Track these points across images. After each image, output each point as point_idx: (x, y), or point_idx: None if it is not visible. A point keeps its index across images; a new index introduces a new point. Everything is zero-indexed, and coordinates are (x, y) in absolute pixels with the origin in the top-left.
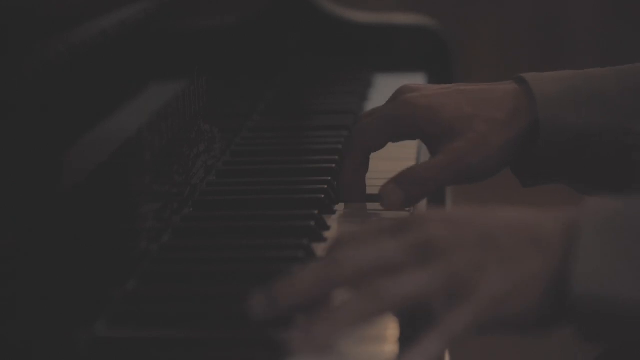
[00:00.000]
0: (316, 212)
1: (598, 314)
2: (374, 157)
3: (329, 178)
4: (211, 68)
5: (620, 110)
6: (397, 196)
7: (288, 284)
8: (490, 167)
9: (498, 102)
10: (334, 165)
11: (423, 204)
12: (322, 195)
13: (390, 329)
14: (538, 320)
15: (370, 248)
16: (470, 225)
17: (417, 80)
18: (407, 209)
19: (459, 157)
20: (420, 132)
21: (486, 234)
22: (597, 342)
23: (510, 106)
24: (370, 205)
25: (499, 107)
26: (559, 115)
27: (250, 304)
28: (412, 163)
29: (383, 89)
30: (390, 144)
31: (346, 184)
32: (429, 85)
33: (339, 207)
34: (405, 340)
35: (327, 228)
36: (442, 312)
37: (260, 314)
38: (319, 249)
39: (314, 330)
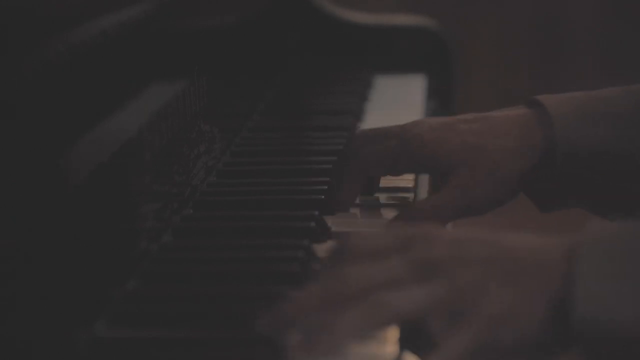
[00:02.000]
0: (316, 212)
1: (601, 337)
2: None
3: (329, 179)
4: (211, 68)
5: (635, 129)
6: None
7: (293, 303)
8: (497, 199)
9: (506, 130)
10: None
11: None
12: (323, 196)
13: (391, 329)
14: (539, 344)
15: (375, 266)
16: (473, 247)
17: (417, 80)
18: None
19: (464, 193)
20: (425, 166)
21: (489, 255)
22: None
23: (520, 132)
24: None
25: (507, 134)
26: (576, 136)
27: (258, 324)
28: None
29: (383, 90)
30: None
31: (343, 201)
32: (437, 118)
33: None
34: (406, 341)
35: (328, 229)
36: (441, 333)
37: (266, 331)
38: (320, 249)
39: (314, 341)
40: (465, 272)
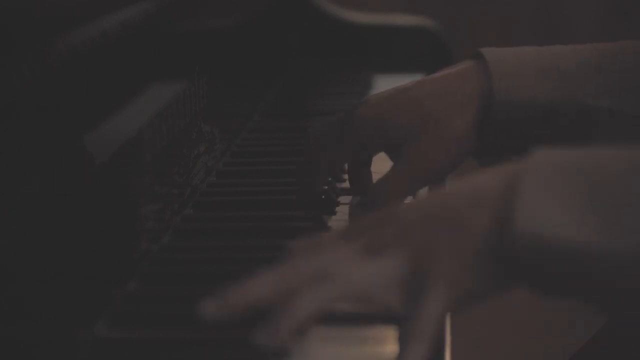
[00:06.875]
0: (316, 212)
1: (543, 255)
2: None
3: (329, 179)
4: (211, 69)
5: (580, 86)
6: None
7: (240, 287)
8: (452, 159)
9: (446, 87)
10: None
11: None
12: (322, 196)
13: (391, 329)
14: (495, 284)
15: (324, 253)
16: (410, 213)
17: None
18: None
19: (419, 160)
20: (376, 140)
21: (426, 214)
22: (555, 298)
23: (459, 85)
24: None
25: (448, 91)
26: (515, 88)
27: (201, 307)
28: None
29: (383, 90)
30: None
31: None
32: (382, 92)
33: (339, 209)
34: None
35: (327, 229)
36: (406, 311)
37: (211, 317)
38: None
39: (275, 326)
40: (410, 241)
